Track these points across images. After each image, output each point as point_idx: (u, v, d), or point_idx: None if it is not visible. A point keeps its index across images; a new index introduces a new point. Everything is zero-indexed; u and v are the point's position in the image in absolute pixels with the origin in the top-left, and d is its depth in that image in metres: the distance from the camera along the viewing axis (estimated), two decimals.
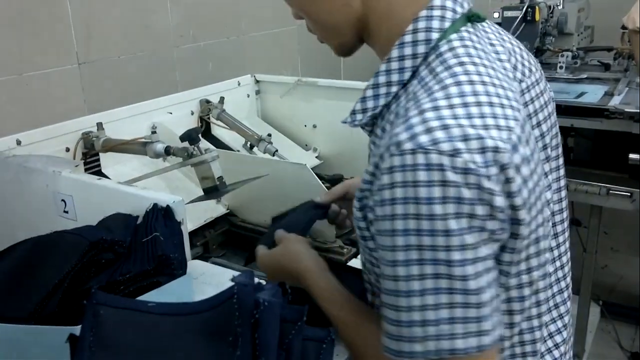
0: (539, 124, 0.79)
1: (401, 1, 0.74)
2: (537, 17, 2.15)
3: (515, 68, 0.77)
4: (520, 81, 0.77)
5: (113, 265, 0.90)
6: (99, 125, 1.42)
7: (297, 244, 0.92)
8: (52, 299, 0.85)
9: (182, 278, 0.92)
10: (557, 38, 2.38)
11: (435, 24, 0.72)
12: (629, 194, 1.91)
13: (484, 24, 0.78)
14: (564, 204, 0.87)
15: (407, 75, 0.72)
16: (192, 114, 1.74)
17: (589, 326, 2.31)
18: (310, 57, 2.65)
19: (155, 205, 0.96)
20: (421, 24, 0.72)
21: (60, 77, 1.72)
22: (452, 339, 0.62)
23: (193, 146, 1.27)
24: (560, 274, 0.86)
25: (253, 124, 1.83)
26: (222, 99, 1.78)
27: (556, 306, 0.86)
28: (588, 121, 1.99)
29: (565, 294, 0.87)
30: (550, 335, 0.85)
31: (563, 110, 2.03)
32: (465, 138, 0.61)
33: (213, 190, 1.28)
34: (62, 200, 1.11)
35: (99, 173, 1.45)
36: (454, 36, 0.71)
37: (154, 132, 1.37)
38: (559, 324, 0.86)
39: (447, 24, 0.72)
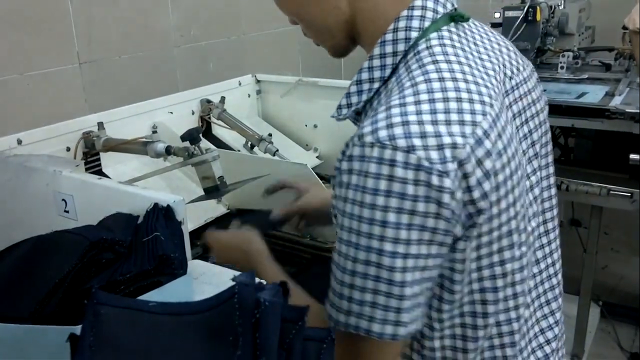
0: (526, 121, 0.81)
1: (386, 2, 0.77)
2: (538, 17, 2.15)
3: (502, 66, 0.79)
4: (510, 78, 0.79)
5: (113, 265, 0.90)
6: (100, 125, 1.42)
7: (249, 231, 1.03)
8: (52, 298, 0.85)
9: (183, 278, 0.91)
10: (558, 38, 2.38)
11: (415, 23, 0.75)
12: (629, 194, 1.91)
13: (470, 23, 0.81)
14: (554, 201, 0.88)
15: (387, 72, 0.76)
16: (193, 113, 1.75)
17: (589, 326, 2.31)
18: (311, 57, 2.64)
19: (155, 205, 0.96)
20: (401, 23, 0.75)
21: (61, 76, 1.72)
22: (371, 322, 0.68)
23: (194, 146, 1.27)
24: (551, 270, 0.89)
25: (254, 124, 1.83)
26: (222, 99, 1.78)
27: (547, 302, 0.88)
28: (589, 121, 1.99)
29: (557, 291, 0.90)
30: (542, 331, 0.88)
31: (564, 110, 2.03)
32: (423, 135, 0.64)
33: (214, 190, 1.28)
34: (63, 199, 1.11)
35: (100, 173, 1.45)
36: (433, 35, 0.74)
37: (154, 132, 1.38)
38: (551, 320, 0.88)
39: (427, 23, 0.75)
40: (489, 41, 0.81)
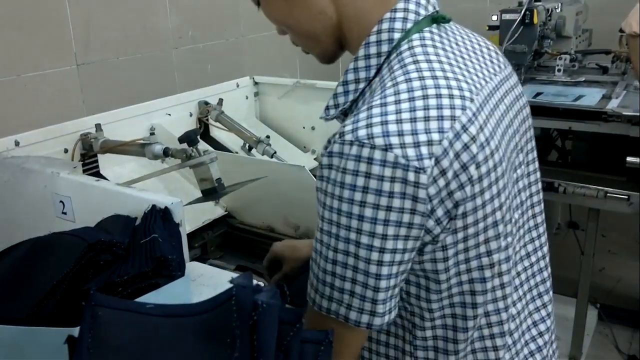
0: (515, 116, 0.84)
1: (369, 6, 0.79)
2: (536, 20, 2.15)
3: (484, 64, 0.81)
4: (495, 74, 0.81)
5: (111, 267, 0.90)
6: (98, 127, 1.42)
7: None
8: (50, 300, 0.85)
9: (181, 279, 0.92)
10: (555, 41, 2.38)
11: (398, 25, 0.77)
12: (626, 196, 1.91)
13: (451, 25, 0.83)
14: (541, 195, 0.92)
15: (372, 72, 0.78)
16: (191, 115, 1.75)
17: (587, 329, 2.31)
18: (308, 59, 2.63)
19: (153, 206, 0.96)
20: (385, 25, 0.77)
21: (59, 78, 1.72)
22: (348, 309, 0.71)
23: (191, 148, 1.28)
24: (542, 263, 0.91)
25: (251, 126, 1.83)
26: (220, 101, 1.78)
27: (540, 295, 0.91)
28: (586, 124, 2.00)
29: (548, 284, 0.93)
30: (535, 324, 0.90)
31: (561, 113, 2.03)
32: (400, 133, 0.66)
33: (211, 192, 1.28)
34: (61, 201, 1.11)
35: (98, 174, 1.45)
36: (415, 36, 0.76)
37: (152, 134, 1.38)
38: (543, 312, 0.91)
39: (409, 25, 0.77)
40: (470, 41, 0.83)
